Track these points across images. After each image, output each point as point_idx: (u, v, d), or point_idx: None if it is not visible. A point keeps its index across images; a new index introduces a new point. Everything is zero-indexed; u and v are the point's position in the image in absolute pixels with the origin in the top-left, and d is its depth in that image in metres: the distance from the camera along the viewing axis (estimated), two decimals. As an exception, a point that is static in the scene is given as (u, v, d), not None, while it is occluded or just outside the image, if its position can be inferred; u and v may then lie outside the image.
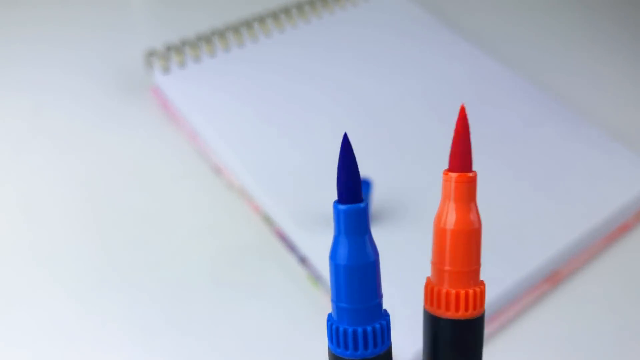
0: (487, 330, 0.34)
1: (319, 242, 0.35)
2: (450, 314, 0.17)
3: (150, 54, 0.46)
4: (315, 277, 0.36)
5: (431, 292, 0.17)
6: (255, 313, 0.34)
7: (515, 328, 0.34)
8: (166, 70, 0.45)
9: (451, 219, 0.17)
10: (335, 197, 0.15)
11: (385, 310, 0.16)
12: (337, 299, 0.15)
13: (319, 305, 0.35)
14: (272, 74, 0.46)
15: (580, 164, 0.40)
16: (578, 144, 0.41)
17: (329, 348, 0.16)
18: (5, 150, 0.44)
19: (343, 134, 0.15)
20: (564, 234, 0.36)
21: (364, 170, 0.24)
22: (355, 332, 0.15)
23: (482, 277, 0.36)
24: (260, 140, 0.41)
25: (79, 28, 0.53)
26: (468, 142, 0.17)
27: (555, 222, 0.37)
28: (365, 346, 0.15)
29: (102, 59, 0.50)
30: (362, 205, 0.15)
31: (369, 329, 0.15)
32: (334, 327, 0.16)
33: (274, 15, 0.50)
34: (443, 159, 0.41)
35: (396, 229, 0.36)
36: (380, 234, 0.31)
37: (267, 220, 0.39)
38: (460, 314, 0.17)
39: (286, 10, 0.50)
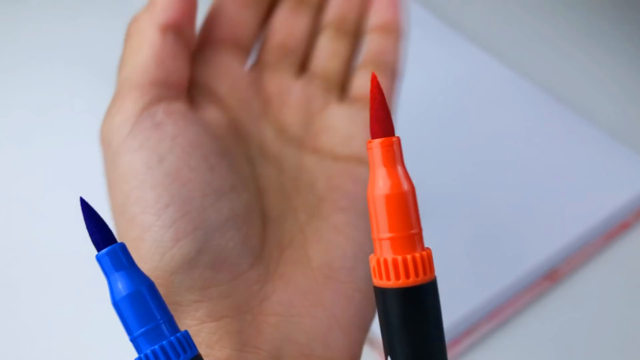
0: (486, 328, 0.34)
1: None
2: (398, 283, 0.16)
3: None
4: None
5: (377, 265, 0.17)
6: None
7: (514, 326, 0.34)
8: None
9: (383, 185, 0.17)
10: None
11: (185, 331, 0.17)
12: (129, 332, 0.16)
13: None
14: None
15: (580, 163, 0.40)
16: (578, 144, 0.41)
17: None
18: (9, 149, 0.43)
19: (80, 198, 0.17)
20: (563, 232, 0.36)
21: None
22: (159, 349, 0.16)
23: (483, 274, 0.35)
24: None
25: (83, 26, 0.52)
26: (386, 107, 0.17)
27: (554, 220, 0.37)
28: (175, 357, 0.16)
29: (107, 58, 0.49)
30: (118, 244, 0.17)
31: (166, 342, 0.16)
32: (141, 357, 0.16)
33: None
34: (443, 158, 0.41)
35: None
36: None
37: None
38: (410, 281, 0.16)
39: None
